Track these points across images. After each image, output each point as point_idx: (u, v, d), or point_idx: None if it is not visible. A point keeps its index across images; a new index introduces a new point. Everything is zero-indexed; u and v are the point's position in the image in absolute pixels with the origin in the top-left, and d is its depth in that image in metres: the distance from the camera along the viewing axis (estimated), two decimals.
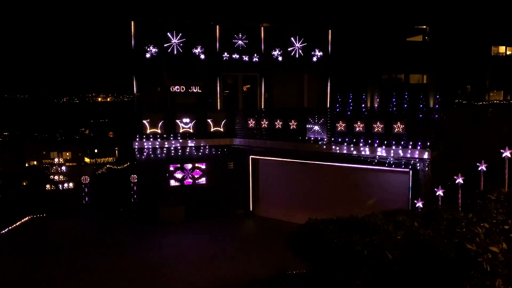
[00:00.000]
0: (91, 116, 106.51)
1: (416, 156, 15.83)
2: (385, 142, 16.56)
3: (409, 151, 15.95)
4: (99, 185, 23.13)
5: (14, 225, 20.33)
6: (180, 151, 21.05)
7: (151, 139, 20.68)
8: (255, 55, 23.02)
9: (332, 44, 24.58)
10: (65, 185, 22.30)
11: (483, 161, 9.05)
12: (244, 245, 17.10)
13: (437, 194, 10.00)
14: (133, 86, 21.73)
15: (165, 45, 21.59)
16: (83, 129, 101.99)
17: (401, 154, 16.13)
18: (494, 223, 5.37)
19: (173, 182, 21.15)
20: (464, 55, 34.13)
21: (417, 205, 10.54)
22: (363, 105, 17.67)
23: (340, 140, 17.77)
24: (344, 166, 18.05)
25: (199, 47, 22.07)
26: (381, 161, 16.78)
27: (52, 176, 22.38)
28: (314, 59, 24.12)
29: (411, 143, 15.96)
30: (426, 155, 15.63)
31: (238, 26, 22.84)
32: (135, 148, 20.83)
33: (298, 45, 23.71)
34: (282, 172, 20.69)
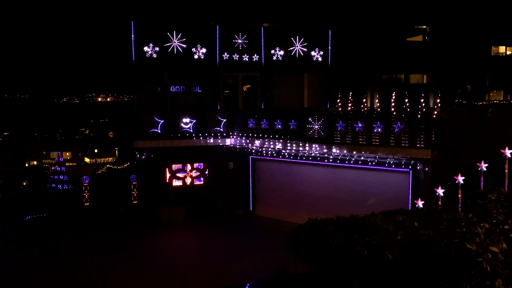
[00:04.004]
0: (91, 116, 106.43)
1: (416, 156, 15.82)
2: (385, 142, 16.56)
3: (409, 151, 15.94)
4: (99, 185, 23.12)
5: (14, 225, 20.32)
6: (180, 151, 21.04)
7: (151, 139, 20.66)
8: (255, 55, 23.02)
9: (332, 44, 24.59)
10: (65, 185, 22.29)
11: (483, 161, 9.05)
12: (244, 245, 17.10)
13: (437, 194, 10.00)
14: (133, 86, 21.72)
15: (165, 45, 21.58)
16: (83, 129, 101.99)
17: (401, 154, 16.13)
18: (494, 223, 5.37)
19: (173, 182, 21.15)
20: (464, 55, 34.14)
21: (417, 205, 10.53)
22: (363, 105, 17.67)
23: (340, 140, 17.77)
24: (344, 166, 18.05)
25: (199, 47, 22.06)
26: (381, 161, 16.78)
27: (52, 176, 22.36)
28: (314, 59, 24.12)
29: (411, 143, 15.96)
30: (426, 155, 15.63)
31: (238, 26, 22.83)
32: (135, 148, 20.82)
33: (298, 45, 23.71)
34: (282, 172, 20.69)
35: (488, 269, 4.32)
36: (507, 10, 33.51)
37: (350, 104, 17.77)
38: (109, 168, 24.84)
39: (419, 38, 35.70)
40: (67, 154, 69.60)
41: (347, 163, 17.80)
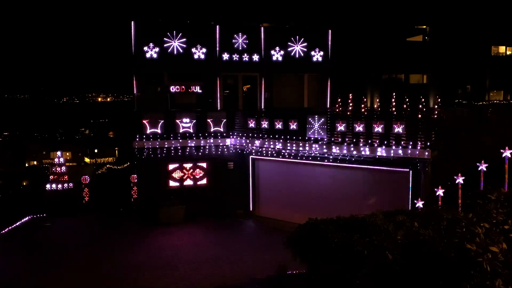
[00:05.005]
0: (91, 116, 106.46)
1: (416, 156, 15.83)
2: (385, 142, 16.57)
3: (409, 151, 15.95)
4: (99, 185, 23.12)
5: (14, 225, 20.33)
6: (180, 151, 21.05)
7: (151, 139, 20.67)
8: (255, 55, 23.01)
9: (332, 44, 24.57)
10: (65, 185, 22.29)
11: (483, 161, 9.06)
12: (244, 245, 17.10)
13: (437, 194, 10.00)
14: (133, 86, 21.70)
15: (165, 45, 21.58)
16: (83, 129, 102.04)
17: (401, 154, 16.13)
18: (494, 223, 5.37)
19: (173, 182, 21.16)
20: (464, 55, 34.13)
21: (417, 205, 10.53)
22: (363, 105, 17.68)
23: (340, 140, 17.77)
24: (344, 166, 18.05)
25: (199, 47, 22.06)
26: (381, 161, 16.78)
27: (52, 176, 22.36)
28: (314, 59, 24.11)
29: (411, 143, 15.97)
30: (426, 155, 15.63)
31: (238, 26, 22.82)
32: (135, 148, 20.82)
33: (298, 45, 23.70)
34: (282, 172, 20.69)
35: (488, 269, 4.32)
36: (507, 10, 33.50)
37: (350, 104, 17.77)
38: (109, 168, 24.83)
39: (419, 38, 35.69)
40: (67, 154, 69.58)
41: (347, 163, 17.80)
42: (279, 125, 19.83)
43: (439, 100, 16.53)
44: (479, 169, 9.00)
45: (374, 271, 5.81)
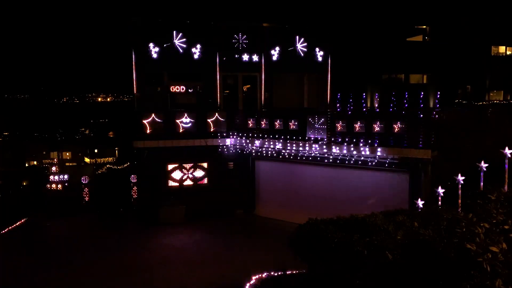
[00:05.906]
0: (91, 116, 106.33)
1: (416, 156, 15.82)
2: (385, 142, 16.56)
3: (409, 151, 15.94)
4: (99, 185, 23.13)
5: (14, 225, 20.33)
6: (180, 151, 21.04)
7: (151, 139, 20.66)
8: (255, 55, 23.00)
9: (332, 44, 24.56)
10: (65, 185, 22.29)
11: (483, 161, 9.04)
12: (244, 245, 17.11)
13: (437, 194, 9.99)
14: (133, 86, 21.70)
15: (165, 45, 21.55)
16: (83, 129, 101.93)
17: (401, 154, 16.12)
18: (494, 223, 5.37)
19: (173, 182, 21.15)
20: (464, 55, 34.14)
21: (417, 205, 10.52)
22: (363, 105, 17.68)
23: (340, 140, 17.77)
24: (344, 166, 18.05)
25: (199, 47, 22.04)
26: (381, 161, 16.77)
27: (52, 176, 22.36)
28: (314, 59, 24.09)
29: (411, 143, 15.96)
30: (426, 155, 15.63)
31: (238, 26, 22.81)
32: (135, 148, 20.82)
33: (298, 45, 23.69)
34: (282, 172, 20.69)
35: (488, 269, 4.32)
36: (507, 10, 33.50)
37: (350, 104, 17.77)
38: (109, 168, 24.83)
39: (419, 38, 35.75)
40: (67, 154, 69.55)
41: (347, 163, 17.79)
42: (279, 125, 19.83)
43: (439, 100, 16.53)
44: (479, 169, 8.99)
45: (374, 271, 5.82)
